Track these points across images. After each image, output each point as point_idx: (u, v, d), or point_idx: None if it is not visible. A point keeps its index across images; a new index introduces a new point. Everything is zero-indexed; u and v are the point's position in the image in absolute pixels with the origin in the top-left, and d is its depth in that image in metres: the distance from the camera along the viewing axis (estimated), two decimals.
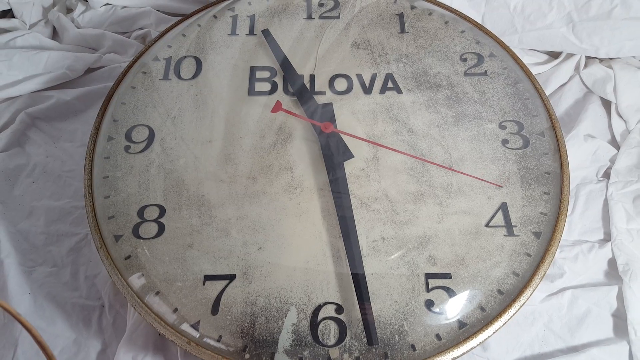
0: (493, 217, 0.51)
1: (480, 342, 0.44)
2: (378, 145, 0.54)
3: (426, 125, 0.57)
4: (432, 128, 0.57)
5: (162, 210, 0.52)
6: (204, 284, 0.48)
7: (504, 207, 0.51)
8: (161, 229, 0.51)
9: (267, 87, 0.61)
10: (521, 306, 0.46)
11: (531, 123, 0.57)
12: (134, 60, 0.65)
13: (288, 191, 0.53)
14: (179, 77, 0.63)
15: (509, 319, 0.45)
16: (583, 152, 0.61)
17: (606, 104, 0.66)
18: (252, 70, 0.63)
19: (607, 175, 0.61)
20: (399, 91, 0.60)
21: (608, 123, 0.64)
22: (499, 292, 0.47)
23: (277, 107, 0.58)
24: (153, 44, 0.66)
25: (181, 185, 0.54)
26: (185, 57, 0.64)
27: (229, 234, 0.51)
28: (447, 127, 0.57)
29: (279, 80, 0.62)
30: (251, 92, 0.61)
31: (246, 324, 0.46)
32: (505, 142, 0.55)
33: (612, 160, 0.62)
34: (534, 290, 0.47)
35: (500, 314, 0.45)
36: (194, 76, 0.63)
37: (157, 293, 0.47)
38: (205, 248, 0.50)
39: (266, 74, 0.62)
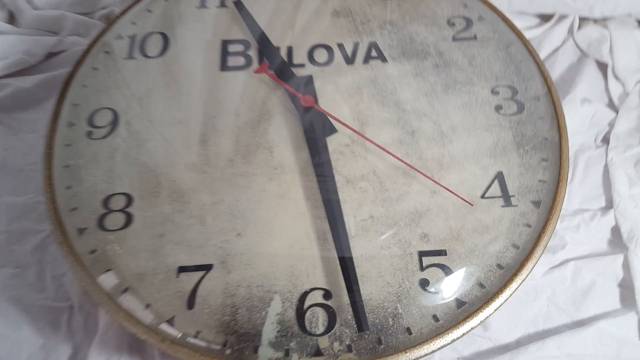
0: (489, 187, 0.47)
1: (481, 321, 0.40)
2: (357, 133, 0.50)
3: (414, 94, 0.53)
4: (420, 97, 0.53)
5: (130, 199, 0.48)
6: (178, 277, 0.44)
7: (499, 177, 0.48)
8: (129, 219, 0.47)
9: (240, 61, 0.57)
10: (523, 280, 0.42)
11: (525, 87, 0.53)
12: (95, 40, 0.60)
13: (267, 172, 0.49)
14: (145, 55, 0.58)
15: (510, 295, 0.42)
16: (580, 117, 0.58)
17: (602, 67, 0.62)
18: (224, 44, 0.58)
19: (606, 140, 0.58)
20: (384, 60, 0.56)
21: (605, 86, 0.61)
22: (499, 266, 0.43)
23: (263, 68, 0.54)
24: (115, 21, 0.61)
25: (150, 170, 0.50)
26: (151, 33, 0.60)
27: (204, 220, 0.46)
28: (436, 95, 0.53)
29: (253, 53, 0.57)
30: (224, 67, 0.56)
31: (226, 317, 0.42)
32: (498, 108, 0.52)
33: (611, 124, 0.58)
34: (536, 262, 0.43)
35: (501, 289, 0.42)
36: (161, 53, 0.58)
37: (127, 289, 0.43)
38: (179, 237, 0.46)
39: (239, 48, 0.58)
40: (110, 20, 0.67)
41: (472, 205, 0.45)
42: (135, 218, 0.47)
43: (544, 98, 0.52)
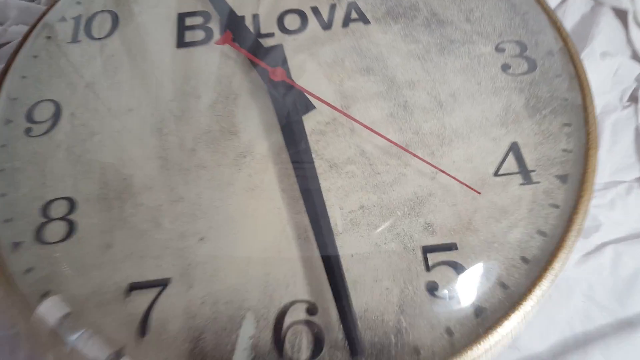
0: (502, 162, 0.39)
1: (507, 334, 0.32)
2: (337, 110, 0.42)
3: (404, 59, 0.44)
4: (412, 62, 0.44)
5: (72, 204, 0.40)
6: (128, 296, 0.36)
7: (514, 149, 0.39)
8: (71, 228, 0.39)
9: (200, 35, 0.48)
10: (556, 275, 0.34)
11: (535, 41, 0.45)
12: (34, 25, 0.52)
13: (235, 161, 0.41)
14: (91, 37, 0.50)
15: (542, 296, 0.34)
16: (601, 74, 0.49)
17: (621, 15, 0.53)
18: (181, 17, 0.50)
19: (633, 98, 0.49)
20: (366, 22, 0.47)
21: (626, 36, 0.52)
22: (524, 260, 0.35)
23: (225, 38, 0.45)
24: (57, 2, 0.53)
25: (96, 168, 0.42)
26: (98, 12, 0.52)
27: (160, 225, 0.38)
28: (430, 58, 0.44)
29: (214, 25, 0.49)
30: (180, 43, 0.48)
31: (187, 345, 0.34)
32: (506, 67, 0.43)
33: (639, 80, 0.50)
34: (570, 251, 0.35)
35: (529, 289, 0.34)
36: (109, 34, 0.50)
37: (67, 315, 0.35)
38: (130, 247, 0.38)
39: (198, 20, 0.49)
40: (52, 2, 0.59)
41: (479, 193, 0.37)
42: (78, 227, 0.39)
43: (558, 53, 0.44)
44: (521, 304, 0.33)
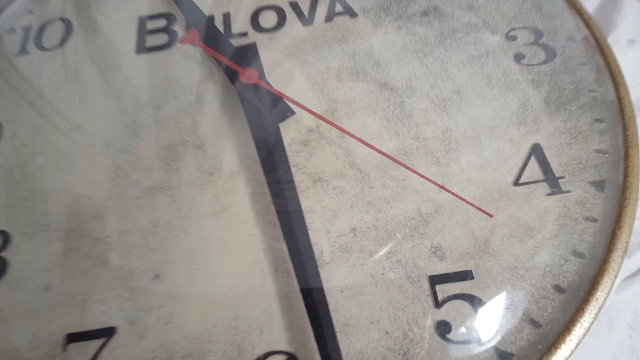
0: (523, 168, 0.32)
1: None
2: (319, 117, 0.35)
3: (398, 54, 0.38)
4: (407, 57, 0.38)
5: (6, 239, 0.33)
6: (65, 350, 0.28)
7: (537, 151, 0.32)
8: (2, 267, 0.32)
9: (162, 39, 0.42)
10: (600, 307, 0.27)
11: (552, 26, 0.38)
12: None
13: (199, 179, 0.34)
14: (41, 47, 0.44)
15: (583, 335, 0.26)
16: (630, 63, 0.42)
17: None
18: (141, 21, 0.44)
19: None
20: (353, 14, 0.41)
21: None
22: (557, 289, 0.28)
23: (191, 36, 0.39)
24: (5, 11, 0.47)
25: (36, 196, 0.35)
26: (50, 21, 0.46)
27: (107, 260, 0.31)
28: (430, 51, 0.38)
29: (179, 28, 0.43)
30: (140, 49, 0.42)
31: None
32: (519, 57, 0.37)
33: None
34: (616, 275, 0.27)
35: (567, 327, 0.26)
36: (61, 43, 0.44)
37: None
38: (70, 289, 0.31)
39: (161, 23, 0.43)
40: None
41: (491, 216, 0.30)
42: (10, 265, 0.32)
43: (580, 38, 0.37)
44: (558, 347, 0.26)
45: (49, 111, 0.39)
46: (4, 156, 0.37)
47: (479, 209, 0.30)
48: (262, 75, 0.37)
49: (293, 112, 0.35)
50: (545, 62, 0.36)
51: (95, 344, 0.29)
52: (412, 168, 0.32)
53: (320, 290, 0.28)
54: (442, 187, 0.31)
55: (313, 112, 0.34)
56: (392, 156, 0.32)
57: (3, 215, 0.34)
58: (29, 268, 0.32)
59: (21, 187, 0.36)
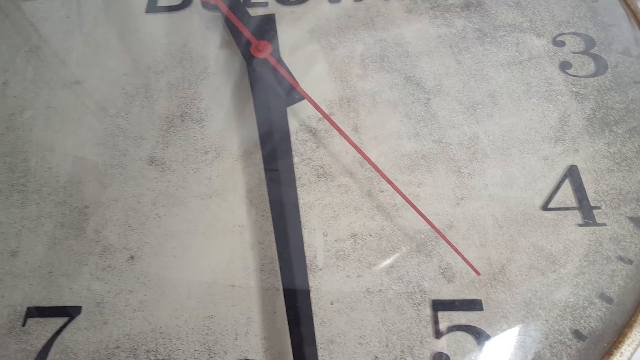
0: (555, 192, 0.28)
1: None
2: (323, 114, 0.32)
3: (431, 45, 0.34)
4: (440, 49, 0.34)
5: None
6: (23, 325, 0.26)
7: (573, 174, 0.28)
8: None
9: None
10: None
11: (606, 36, 0.34)
12: None
13: (194, 157, 0.31)
14: None
15: None
16: None
17: None
18: None
19: None
20: None
21: None
22: (577, 335, 0.24)
23: None
24: None
25: (18, 152, 0.32)
26: None
27: (82, 232, 0.28)
28: (466, 47, 0.34)
29: None
30: (151, 7, 0.38)
31: None
32: (565, 66, 0.33)
33: None
34: None
35: None
36: None
37: None
38: (39, 259, 0.28)
39: None
40: None
41: (478, 274, 0.26)
42: None
43: (638, 53, 0.33)
44: None
45: (47, 63, 0.36)
46: None
47: (471, 265, 0.26)
48: (275, 50, 0.33)
49: (302, 97, 0.32)
50: (594, 75, 0.32)
51: (56, 322, 0.26)
52: (396, 185, 0.27)
53: (307, 298, 0.25)
54: (437, 231, 0.27)
55: (318, 107, 0.30)
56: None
57: None
58: None
59: (4, 140, 0.33)
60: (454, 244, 0.27)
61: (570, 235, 0.27)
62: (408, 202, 0.26)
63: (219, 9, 0.37)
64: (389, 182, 0.27)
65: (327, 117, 0.30)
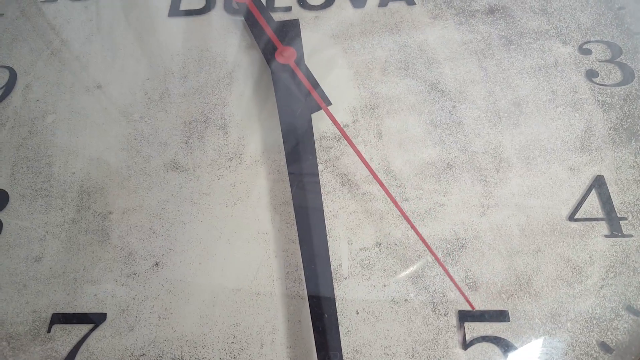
0: (582, 202, 0.28)
1: None
2: (341, 132, 0.32)
3: (456, 52, 0.34)
4: (465, 57, 0.34)
5: (4, 200, 0.31)
6: (49, 331, 0.26)
7: (599, 185, 0.28)
8: None
9: (200, 3, 0.39)
10: None
11: (633, 45, 0.34)
12: None
13: (218, 163, 0.31)
14: None
15: None
16: None
17: None
18: None
19: None
20: (410, 1, 0.37)
21: None
22: (604, 347, 0.24)
23: None
24: None
25: (42, 157, 0.32)
26: None
27: (107, 238, 0.29)
28: (491, 53, 0.34)
29: None
30: (174, 11, 0.38)
31: None
32: (592, 74, 0.32)
33: None
34: None
35: None
36: None
37: None
38: (63, 265, 0.28)
39: None
40: None
41: (473, 308, 0.25)
42: (4, 229, 0.30)
43: None
44: None
45: (69, 67, 0.36)
46: (14, 110, 0.35)
47: (466, 299, 0.25)
48: (300, 57, 0.33)
49: (329, 102, 0.32)
50: (620, 83, 0.32)
51: (81, 329, 0.26)
52: (397, 203, 0.27)
53: (333, 307, 0.25)
54: (432, 252, 0.27)
55: (332, 116, 0.30)
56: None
57: (5, 173, 0.32)
58: (23, 235, 0.29)
59: (28, 145, 0.33)
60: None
61: (596, 246, 0.26)
62: (407, 221, 0.27)
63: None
64: (390, 197, 0.27)
65: (337, 124, 0.29)
